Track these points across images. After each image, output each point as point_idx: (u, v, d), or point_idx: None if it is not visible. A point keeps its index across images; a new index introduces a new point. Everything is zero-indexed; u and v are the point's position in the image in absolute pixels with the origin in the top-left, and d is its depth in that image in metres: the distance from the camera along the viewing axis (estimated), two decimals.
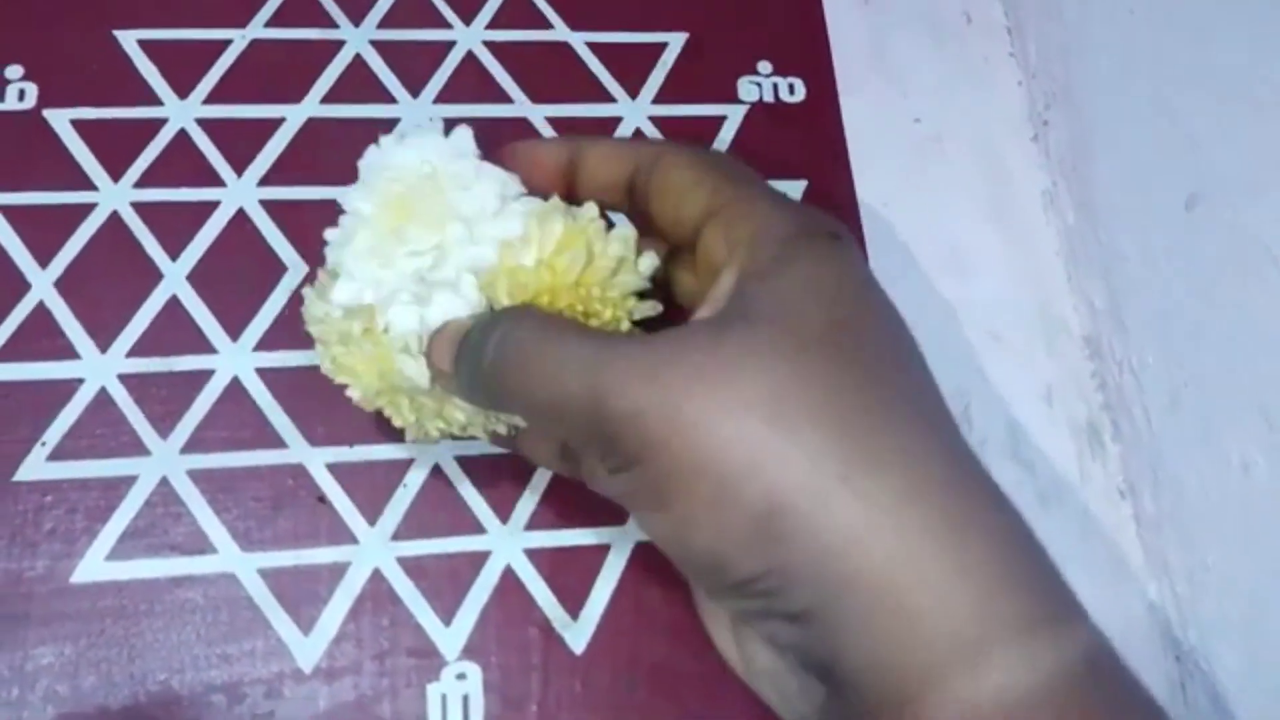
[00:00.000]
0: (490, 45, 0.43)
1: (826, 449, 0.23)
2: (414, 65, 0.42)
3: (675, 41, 0.45)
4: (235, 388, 0.37)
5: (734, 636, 0.28)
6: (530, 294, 0.28)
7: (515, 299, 0.28)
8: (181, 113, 0.40)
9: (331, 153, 0.40)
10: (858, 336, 0.25)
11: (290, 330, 0.38)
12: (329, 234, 0.31)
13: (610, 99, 0.43)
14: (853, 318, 0.25)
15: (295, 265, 0.39)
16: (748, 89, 0.44)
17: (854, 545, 0.22)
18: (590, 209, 0.30)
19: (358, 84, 0.42)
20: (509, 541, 0.36)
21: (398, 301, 0.29)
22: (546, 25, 0.44)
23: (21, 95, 0.40)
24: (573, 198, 0.31)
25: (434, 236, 0.28)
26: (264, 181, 0.40)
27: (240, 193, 0.39)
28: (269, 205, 0.39)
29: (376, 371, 0.30)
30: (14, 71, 0.40)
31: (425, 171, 0.29)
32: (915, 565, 0.22)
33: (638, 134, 0.42)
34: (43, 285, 0.37)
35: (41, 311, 0.37)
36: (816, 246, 0.27)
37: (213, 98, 0.41)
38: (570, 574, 0.36)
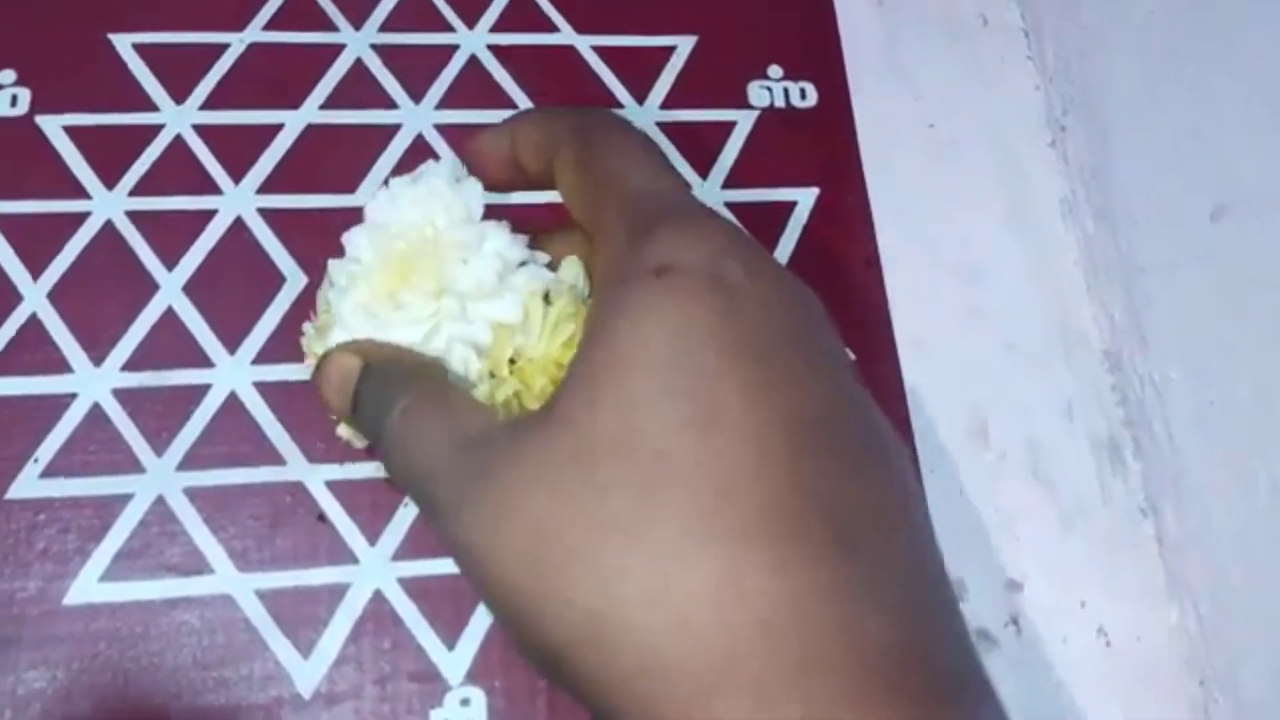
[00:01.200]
0: (494, 49, 0.42)
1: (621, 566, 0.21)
2: (416, 69, 0.41)
3: (684, 45, 0.44)
4: (233, 402, 0.36)
5: None
6: (522, 376, 0.28)
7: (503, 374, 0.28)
8: (178, 118, 0.39)
9: (331, 160, 0.39)
10: (657, 397, 0.22)
11: (289, 343, 0.36)
12: (332, 267, 0.30)
13: (618, 104, 0.42)
14: (663, 371, 0.22)
15: (294, 275, 0.38)
16: (758, 94, 0.43)
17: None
18: (571, 271, 0.29)
19: (358, 89, 0.41)
20: None
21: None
22: (552, 28, 0.43)
23: (14, 101, 0.39)
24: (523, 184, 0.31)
25: (429, 307, 0.28)
26: (262, 189, 0.39)
27: (238, 201, 0.38)
28: (267, 214, 0.38)
29: None
30: (6, 76, 0.39)
31: (428, 235, 0.28)
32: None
33: None
34: (35, 297, 0.36)
35: (34, 324, 0.36)
36: (638, 291, 0.23)
37: (209, 103, 0.40)
38: None
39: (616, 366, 0.22)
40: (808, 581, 0.20)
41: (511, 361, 0.28)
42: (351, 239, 0.30)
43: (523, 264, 0.29)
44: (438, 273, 0.28)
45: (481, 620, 0.34)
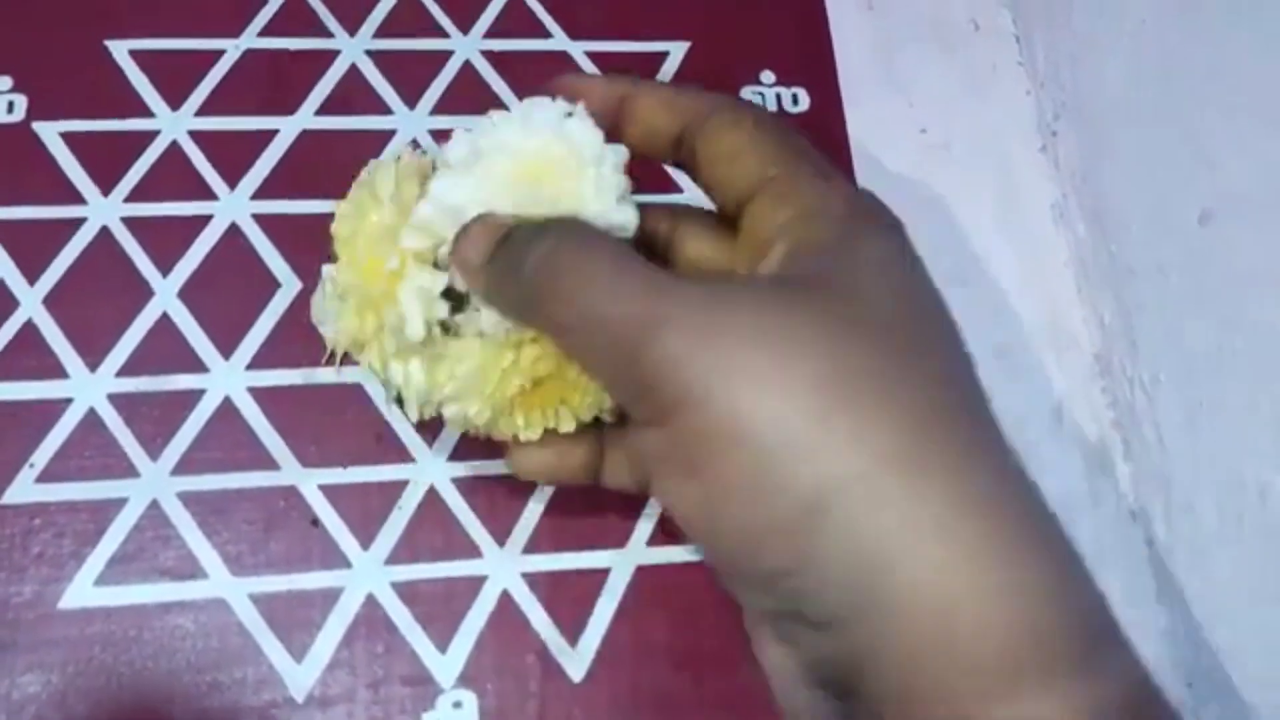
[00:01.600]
0: (488, 55, 0.42)
1: (885, 447, 0.22)
2: (411, 75, 0.41)
3: (677, 51, 0.44)
4: (227, 408, 0.36)
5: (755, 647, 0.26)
6: None
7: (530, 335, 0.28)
8: (173, 125, 0.39)
9: (326, 166, 0.39)
10: (923, 332, 0.24)
11: (284, 348, 0.37)
12: (454, 145, 0.28)
13: None
14: (917, 313, 0.24)
15: (289, 281, 0.38)
16: (751, 99, 0.43)
17: (899, 553, 0.21)
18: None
19: (353, 95, 0.41)
20: (506, 565, 0.36)
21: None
22: (546, 34, 0.43)
23: (10, 107, 0.39)
24: (616, 138, 0.29)
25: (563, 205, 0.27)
26: (257, 195, 0.39)
27: (233, 206, 0.39)
28: (262, 219, 0.39)
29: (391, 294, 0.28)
30: (3, 83, 0.39)
31: (555, 153, 0.27)
32: (960, 582, 0.21)
33: None
34: (31, 303, 0.37)
35: (30, 329, 0.36)
36: (880, 233, 0.26)
37: (205, 109, 0.40)
38: (569, 599, 0.35)
39: (877, 273, 0.24)
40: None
41: None
42: (475, 129, 0.28)
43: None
44: (574, 188, 0.27)
45: (474, 624, 0.35)
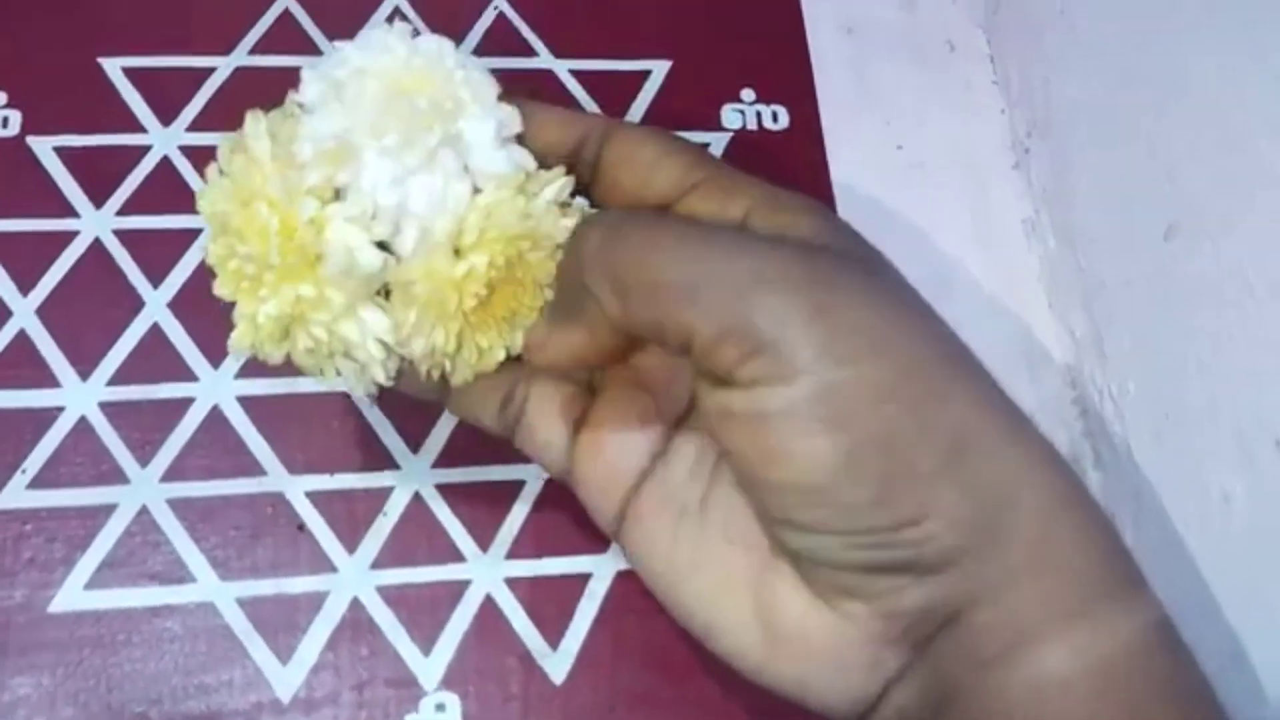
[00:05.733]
0: None
1: (992, 397, 0.24)
2: None
3: (659, 69, 0.45)
4: (215, 416, 0.37)
5: (763, 623, 0.27)
6: (491, 241, 0.26)
7: (472, 240, 0.26)
8: (165, 140, 0.40)
9: None
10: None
11: None
12: (306, 86, 0.27)
13: None
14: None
15: None
16: (731, 116, 0.44)
17: (1017, 493, 0.23)
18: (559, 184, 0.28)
19: None
20: (489, 570, 0.36)
21: (390, 155, 0.25)
22: (530, 53, 0.44)
23: (5, 122, 0.40)
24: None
25: (419, 150, 0.26)
26: None
27: None
28: None
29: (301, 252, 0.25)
30: None
31: (436, 71, 0.26)
32: (1060, 520, 0.24)
33: None
34: (24, 313, 0.37)
35: (22, 339, 0.37)
36: (847, 226, 0.29)
37: (196, 125, 0.41)
38: (550, 603, 0.36)
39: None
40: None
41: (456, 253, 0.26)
42: (320, 66, 0.27)
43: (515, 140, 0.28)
44: (442, 116, 0.26)
45: (457, 627, 0.35)
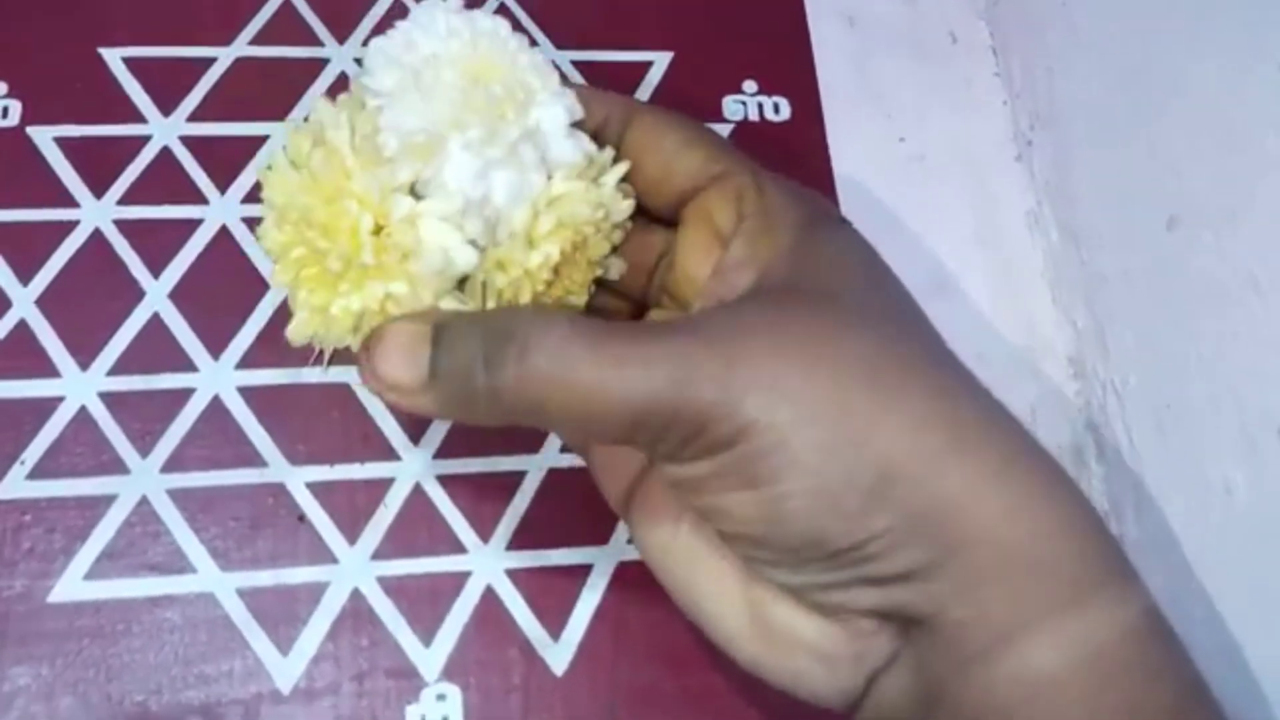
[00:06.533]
0: None
1: (929, 418, 0.24)
2: None
3: (661, 60, 0.45)
4: (216, 406, 0.37)
5: (753, 618, 0.27)
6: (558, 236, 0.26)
7: (548, 229, 0.26)
8: (165, 130, 0.40)
9: None
10: (908, 316, 0.27)
11: (272, 349, 0.38)
12: (378, 74, 0.26)
13: None
14: (897, 299, 0.27)
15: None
16: (733, 108, 0.44)
17: (967, 506, 0.23)
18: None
19: None
20: (490, 561, 0.36)
21: (474, 149, 0.25)
22: (532, 43, 0.44)
23: (5, 112, 0.40)
24: None
25: (501, 144, 0.25)
26: (247, 199, 0.40)
27: (223, 210, 0.39)
28: (252, 223, 0.39)
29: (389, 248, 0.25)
30: None
31: (501, 61, 0.26)
32: (1022, 523, 0.24)
33: None
34: (24, 303, 0.37)
35: (22, 329, 0.37)
36: (840, 230, 0.28)
37: (196, 115, 0.41)
38: (551, 594, 0.36)
39: (855, 269, 0.27)
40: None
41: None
42: (388, 51, 0.26)
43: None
44: (517, 105, 0.26)
45: (458, 618, 0.35)
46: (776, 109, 0.45)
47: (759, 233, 0.27)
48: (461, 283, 0.27)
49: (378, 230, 0.25)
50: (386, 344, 0.25)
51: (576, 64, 0.44)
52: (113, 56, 0.41)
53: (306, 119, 0.26)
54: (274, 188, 0.26)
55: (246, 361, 0.37)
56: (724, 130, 0.44)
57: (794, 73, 0.46)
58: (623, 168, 0.28)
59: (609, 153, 0.28)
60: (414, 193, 0.25)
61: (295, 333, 0.27)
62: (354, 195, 0.25)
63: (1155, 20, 0.38)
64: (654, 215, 0.30)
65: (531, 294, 0.27)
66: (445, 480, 0.37)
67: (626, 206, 0.28)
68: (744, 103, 0.45)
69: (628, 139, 0.29)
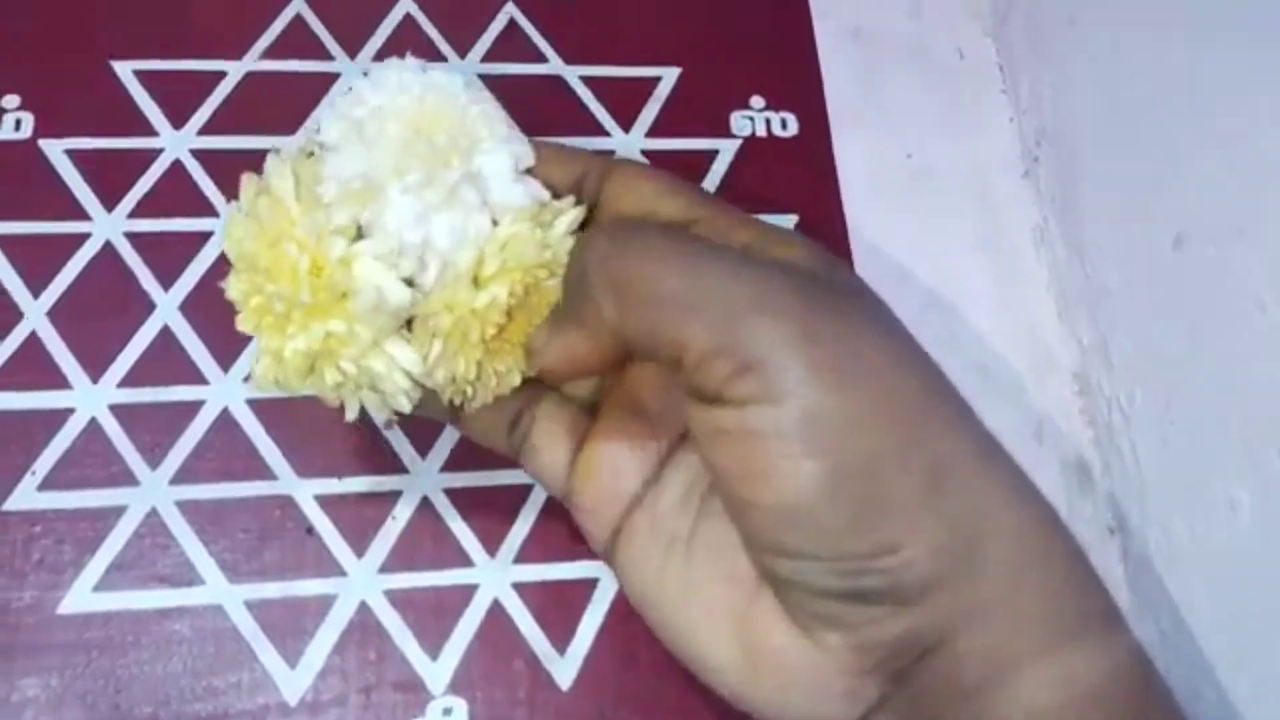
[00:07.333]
0: (485, 78, 0.43)
1: (967, 429, 0.25)
2: None
3: (669, 76, 0.45)
4: (225, 419, 0.37)
5: (745, 649, 0.27)
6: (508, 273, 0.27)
7: (493, 271, 0.27)
8: (176, 143, 0.41)
9: None
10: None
11: None
12: (327, 126, 0.27)
13: (604, 132, 0.43)
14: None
15: None
16: (741, 123, 0.45)
17: (993, 523, 0.24)
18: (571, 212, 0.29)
19: None
20: (497, 575, 0.36)
21: (413, 193, 0.26)
22: (541, 59, 0.44)
23: (18, 125, 0.40)
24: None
25: (440, 187, 0.26)
26: None
27: None
28: None
29: (330, 288, 0.26)
30: (10, 101, 0.40)
31: (449, 107, 0.27)
32: (1036, 551, 0.24)
33: None
34: (35, 315, 0.37)
35: (34, 341, 0.37)
36: (840, 271, 0.28)
37: (208, 129, 0.41)
38: (557, 608, 0.36)
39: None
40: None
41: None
42: (339, 106, 0.27)
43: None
44: (460, 152, 0.27)
45: (464, 632, 0.35)
46: (784, 124, 0.45)
47: (774, 250, 0.27)
48: (410, 325, 0.27)
49: (316, 271, 0.26)
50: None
51: (585, 79, 0.44)
52: (124, 69, 0.41)
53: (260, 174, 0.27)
54: (229, 236, 0.27)
55: None
56: (731, 145, 0.44)
57: (801, 88, 0.46)
58: (577, 212, 0.28)
59: (567, 200, 0.29)
60: (358, 238, 0.26)
61: (258, 379, 0.27)
62: (294, 238, 0.26)
63: (1163, 36, 0.38)
64: None
65: (481, 335, 0.27)
66: (452, 494, 0.37)
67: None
68: (751, 118, 0.45)
69: (605, 191, 0.30)
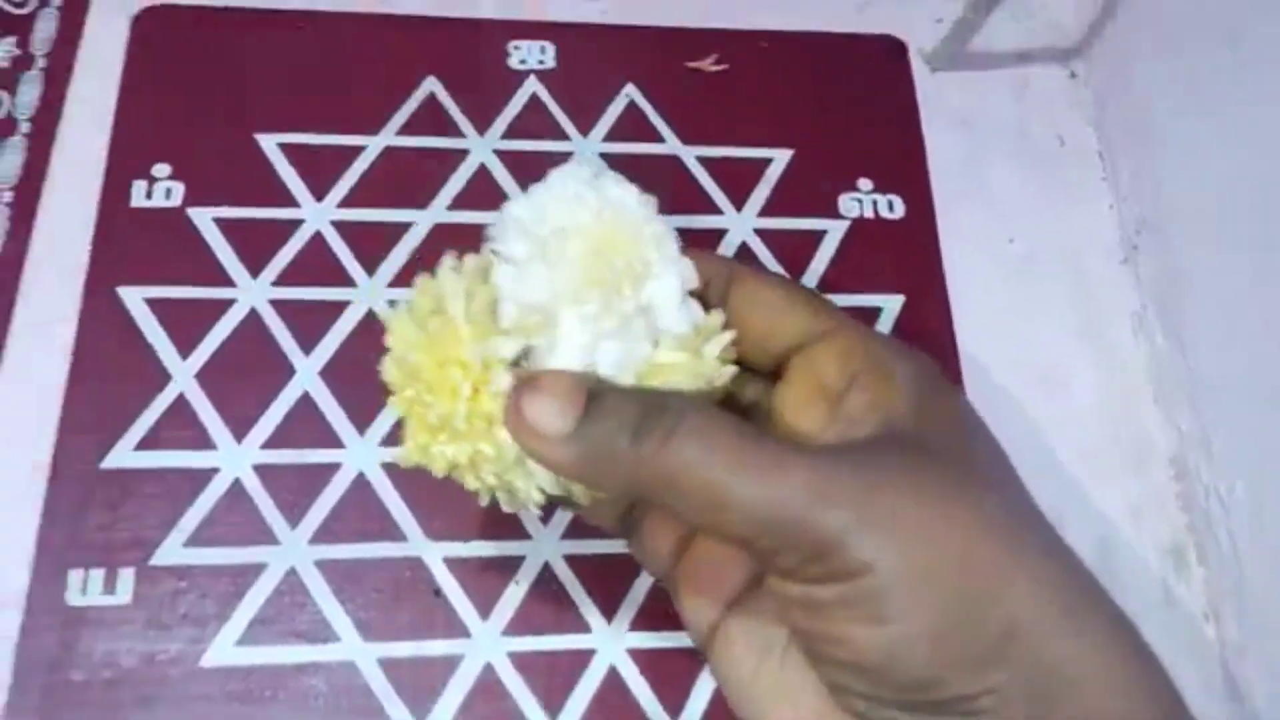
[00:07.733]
0: (605, 156, 0.45)
1: (1053, 581, 0.25)
2: (536, 174, 0.43)
3: (781, 157, 0.47)
4: (361, 481, 0.39)
5: None
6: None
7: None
8: (318, 215, 0.43)
9: None
10: (1013, 478, 0.28)
11: None
12: (510, 241, 0.28)
13: (717, 211, 0.45)
14: (1004, 461, 0.28)
15: None
16: (849, 205, 0.46)
17: (1075, 673, 0.24)
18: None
19: (481, 191, 0.44)
20: (613, 641, 0.38)
21: (588, 321, 0.27)
22: (659, 139, 0.46)
23: (168, 193, 0.42)
24: None
25: (614, 316, 0.27)
26: (393, 283, 0.42)
27: (370, 294, 0.42)
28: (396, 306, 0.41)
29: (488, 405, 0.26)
30: (162, 170, 0.43)
31: (621, 234, 0.28)
32: (1122, 697, 0.24)
33: (741, 247, 0.44)
34: (183, 377, 0.40)
35: (181, 402, 0.39)
36: (955, 391, 0.29)
37: (347, 201, 0.43)
38: (671, 675, 0.38)
39: (971, 430, 0.28)
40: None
41: None
42: (515, 216, 0.28)
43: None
44: (635, 278, 0.27)
45: (583, 694, 0.37)
46: (891, 206, 0.46)
47: (877, 386, 0.28)
48: None
49: (476, 397, 0.26)
50: (542, 390, 0.26)
51: (701, 159, 0.46)
52: (268, 142, 0.44)
53: (434, 272, 0.28)
54: (395, 336, 0.28)
55: (390, 439, 0.40)
56: (840, 226, 0.46)
57: (908, 172, 0.47)
58: (727, 337, 0.29)
59: (716, 317, 0.29)
60: (522, 356, 0.27)
61: (404, 459, 0.29)
62: (460, 362, 0.26)
63: (1266, 126, 0.39)
64: (748, 366, 0.31)
65: None
66: (573, 560, 0.39)
67: (728, 373, 0.29)
68: (859, 200, 0.46)
69: (732, 296, 0.30)
